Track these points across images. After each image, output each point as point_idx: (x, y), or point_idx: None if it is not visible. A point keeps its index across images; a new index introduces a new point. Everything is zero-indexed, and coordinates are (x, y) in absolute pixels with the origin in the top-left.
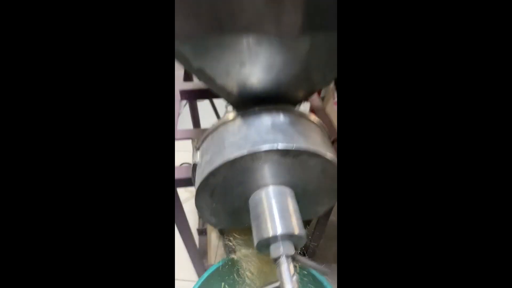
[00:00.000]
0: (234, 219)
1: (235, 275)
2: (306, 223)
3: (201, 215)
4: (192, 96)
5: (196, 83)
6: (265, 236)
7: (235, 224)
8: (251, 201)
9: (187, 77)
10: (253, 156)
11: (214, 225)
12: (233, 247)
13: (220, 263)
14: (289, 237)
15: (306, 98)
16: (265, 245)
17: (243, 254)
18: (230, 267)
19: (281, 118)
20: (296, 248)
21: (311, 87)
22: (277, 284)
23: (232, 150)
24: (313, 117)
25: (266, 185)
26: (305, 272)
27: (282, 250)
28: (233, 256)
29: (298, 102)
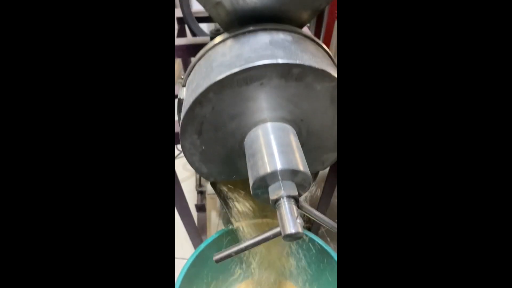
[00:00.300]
0: (228, 168)
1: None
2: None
3: (189, 162)
4: (187, 53)
5: (190, 39)
6: (262, 173)
7: (230, 175)
8: (247, 140)
9: (181, 33)
10: (247, 76)
11: (206, 176)
12: (230, 210)
13: (217, 235)
14: (291, 175)
15: (309, 20)
16: (262, 187)
17: (244, 223)
18: (228, 238)
19: (281, 36)
20: (299, 193)
21: (314, 5)
22: (276, 229)
23: (221, 70)
24: (320, 41)
25: (263, 121)
26: (311, 241)
27: (283, 190)
28: (231, 226)
29: (300, 24)
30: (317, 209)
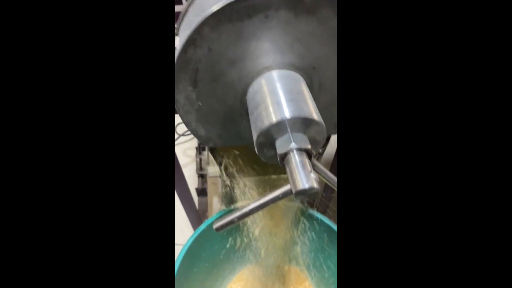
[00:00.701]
0: (228, 131)
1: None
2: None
3: (185, 122)
4: None
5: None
6: (267, 124)
7: (230, 139)
8: (249, 93)
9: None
10: (249, 5)
11: (204, 141)
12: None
13: (219, 215)
14: (302, 125)
15: None
16: (268, 142)
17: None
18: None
19: None
20: (312, 149)
21: None
22: (286, 187)
23: (216, 2)
24: None
25: (269, 68)
26: (319, 220)
27: (293, 142)
28: (233, 206)
29: None
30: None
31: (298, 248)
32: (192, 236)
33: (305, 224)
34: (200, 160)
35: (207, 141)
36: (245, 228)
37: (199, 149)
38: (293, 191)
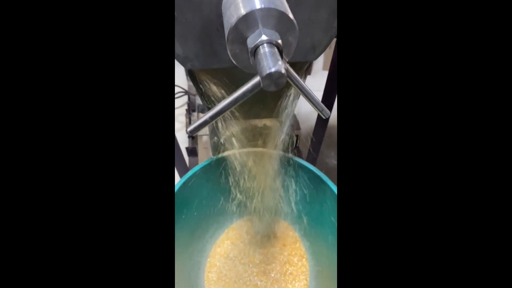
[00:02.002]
0: (205, 49)
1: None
2: (297, 67)
3: None
4: None
5: None
6: (236, 18)
7: (208, 60)
8: (224, 3)
9: None
10: None
11: (182, 61)
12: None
13: (205, 163)
14: (273, 19)
15: None
16: (239, 40)
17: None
18: (217, 165)
19: None
20: (284, 50)
21: None
22: (255, 79)
23: None
24: None
25: None
26: (302, 166)
27: (263, 35)
28: (220, 155)
29: None
30: (314, 131)
31: (286, 200)
32: (180, 180)
33: (293, 176)
34: (190, 120)
35: (184, 61)
36: (235, 181)
37: (189, 110)
38: (261, 75)
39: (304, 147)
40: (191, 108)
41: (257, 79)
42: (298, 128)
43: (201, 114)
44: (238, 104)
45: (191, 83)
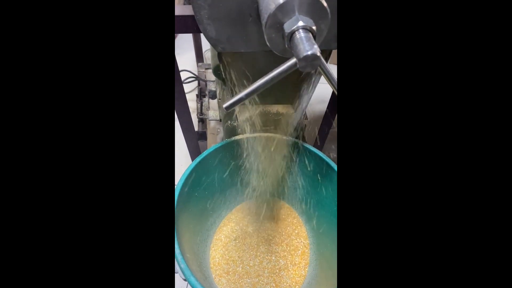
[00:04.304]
0: (238, 32)
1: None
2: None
3: (197, 19)
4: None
5: None
6: (276, 4)
7: (239, 43)
8: None
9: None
10: None
11: (213, 42)
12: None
13: (219, 145)
14: (309, 7)
15: None
16: (276, 25)
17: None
18: (229, 148)
19: None
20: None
21: None
22: (292, 60)
23: None
24: None
25: None
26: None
27: (300, 21)
28: (233, 138)
29: None
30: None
31: (292, 184)
32: (195, 160)
33: (298, 159)
34: (201, 104)
35: (216, 44)
36: (244, 164)
37: (200, 96)
38: (298, 57)
39: (309, 137)
40: (201, 94)
41: (293, 60)
42: (306, 118)
43: (211, 100)
44: (272, 83)
45: (201, 70)
